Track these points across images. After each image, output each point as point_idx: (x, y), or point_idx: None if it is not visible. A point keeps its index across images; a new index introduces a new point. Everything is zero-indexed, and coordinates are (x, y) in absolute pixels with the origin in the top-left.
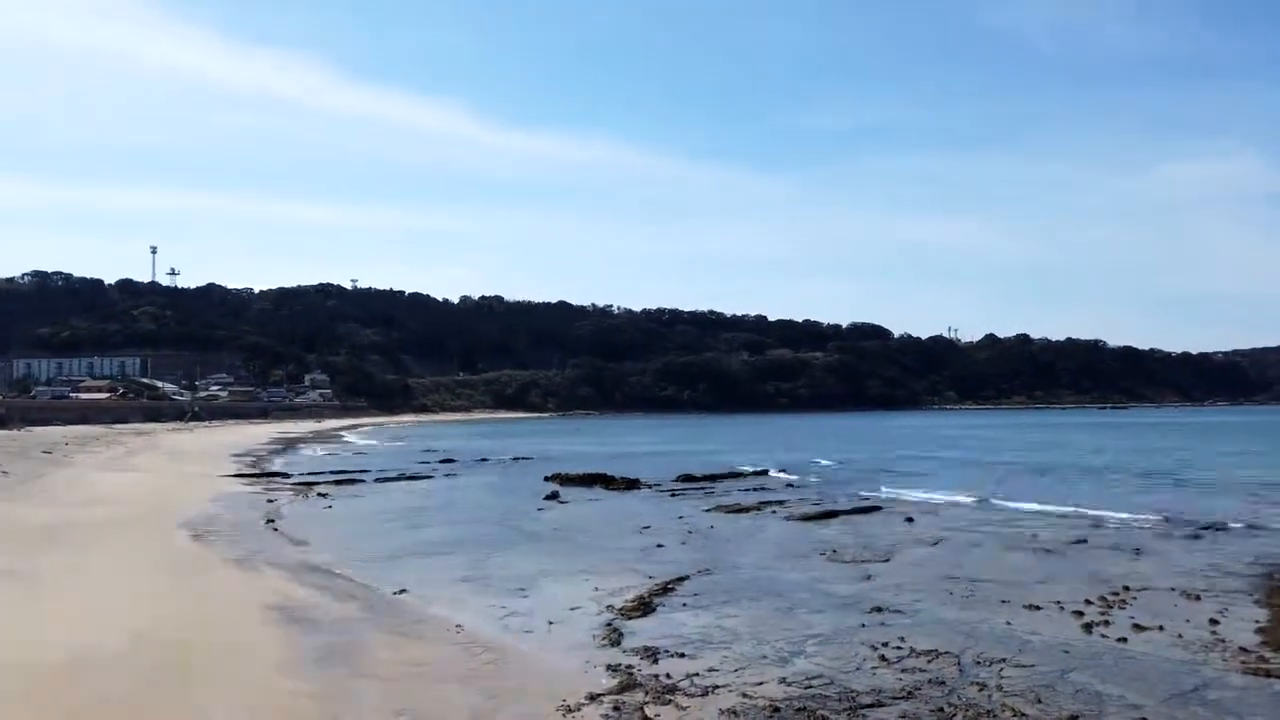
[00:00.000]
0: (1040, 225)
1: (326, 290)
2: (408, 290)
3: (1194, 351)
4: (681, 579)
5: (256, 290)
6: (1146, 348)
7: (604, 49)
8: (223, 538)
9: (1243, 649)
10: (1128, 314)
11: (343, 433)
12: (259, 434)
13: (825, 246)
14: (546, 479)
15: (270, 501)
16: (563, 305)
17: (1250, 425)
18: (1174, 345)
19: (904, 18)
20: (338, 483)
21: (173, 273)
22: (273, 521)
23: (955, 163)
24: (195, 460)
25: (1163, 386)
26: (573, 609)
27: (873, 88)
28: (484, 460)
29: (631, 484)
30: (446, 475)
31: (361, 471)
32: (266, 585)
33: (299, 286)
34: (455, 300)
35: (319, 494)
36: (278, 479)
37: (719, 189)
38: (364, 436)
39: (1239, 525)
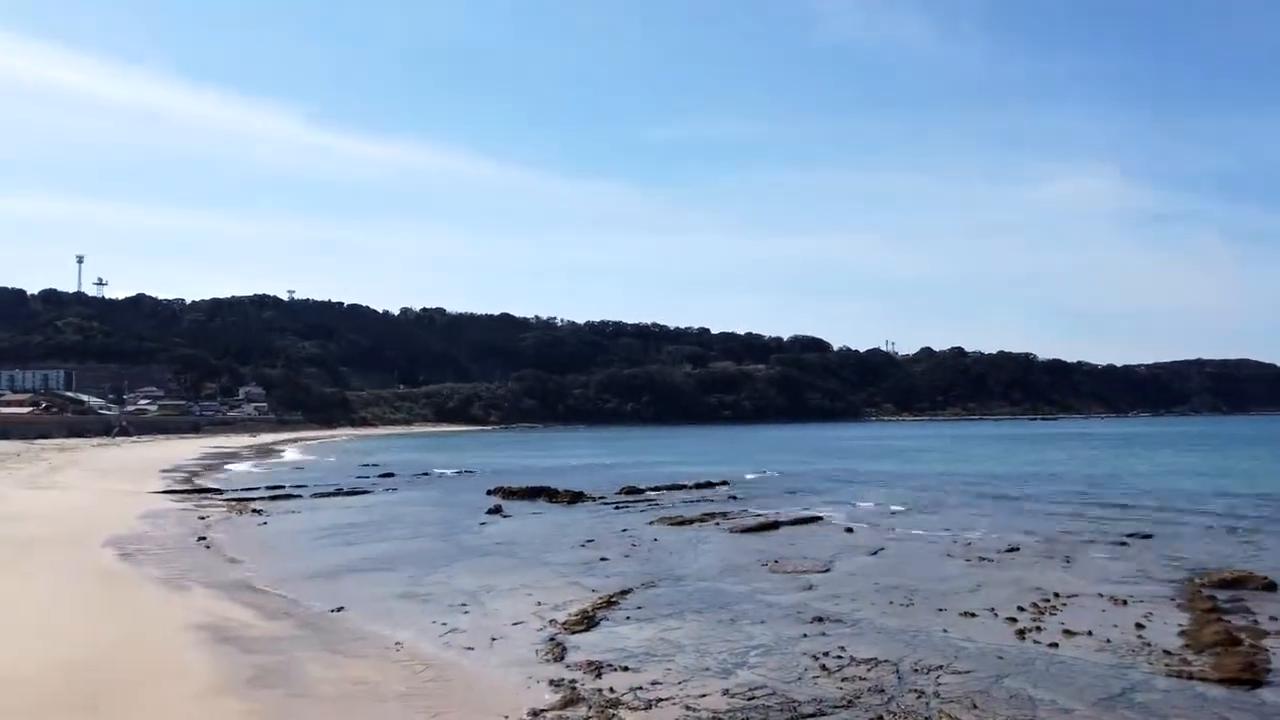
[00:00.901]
0: (925, 240)
1: (262, 301)
2: (346, 301)
3: (1118, 364)
4: (625, 592)
5: (188, 301)
6: (1074, 360)
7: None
8: (151, 556)
9: (1167, 652)
10: (1027, 327)
11: (278, 447)
12: (190, 449)
13: (713, 260)
14: (489, 493)
15: (202, 519)
16: (506, 317)
17: (1172, 436)
18: (1074, 356)
19: (739, 36)
20: (273, 499)
21: (100, 283)
22: (204, 539)
23: (826, 177)
24: (122, 476)
25: (1089, 398)
26: (515, 624)
27: (713, 104)
28: (424, 474)
29: (575, 497)
30: (386, 490)
31: (298, 487)
32: (197, 605)
33: (233, 297)
34: (396, 312)
35: (253, 510)
36: (210, 495)
37: (586, 200)
38: (301, 451)
39: (1162, 533)
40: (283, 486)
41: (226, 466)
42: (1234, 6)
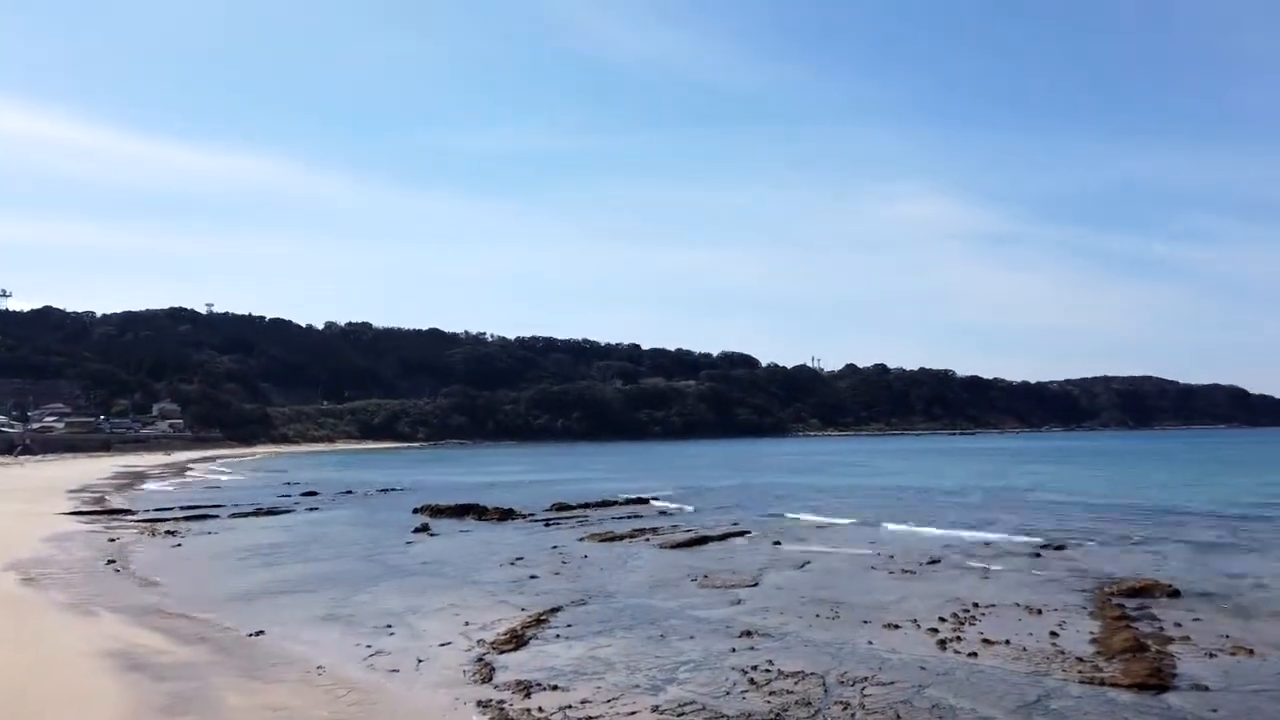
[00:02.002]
0: (786, 257)
1: (178, 314)
2: (268, 315)
3: (1032, 381)
4: (555, 610)
5: (99, 314)
6: (990, 377)
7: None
8: (56, 581)
9: (1080, 659)
10: (901, 342)
11: (194, 466)
12: (100, 468)
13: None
14: (415, 511)
15: (112, 540)
16: (434, 332)
17: (1083, 450)
18: (964, 370)
19: (549, 53)
20: (188, 519)
21: (3, 294)
22: (114, 562)
23: (676, 192)
24: (26, 497)
25: (1005, 414)
26: (442, 645)
27: (522, 115)
28: (349, 492)
29: (505, 514)
30: (308, 509)
31: (214, 506)
32: (106, 631)
33: (148, 310)
34: (320, 326)
35: (167, 531)
36: (121, 516)
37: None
38: (218, 469)
39: (1075, 544)
40: (199, 506)
41: (139, 486)
42: (1056, 29)
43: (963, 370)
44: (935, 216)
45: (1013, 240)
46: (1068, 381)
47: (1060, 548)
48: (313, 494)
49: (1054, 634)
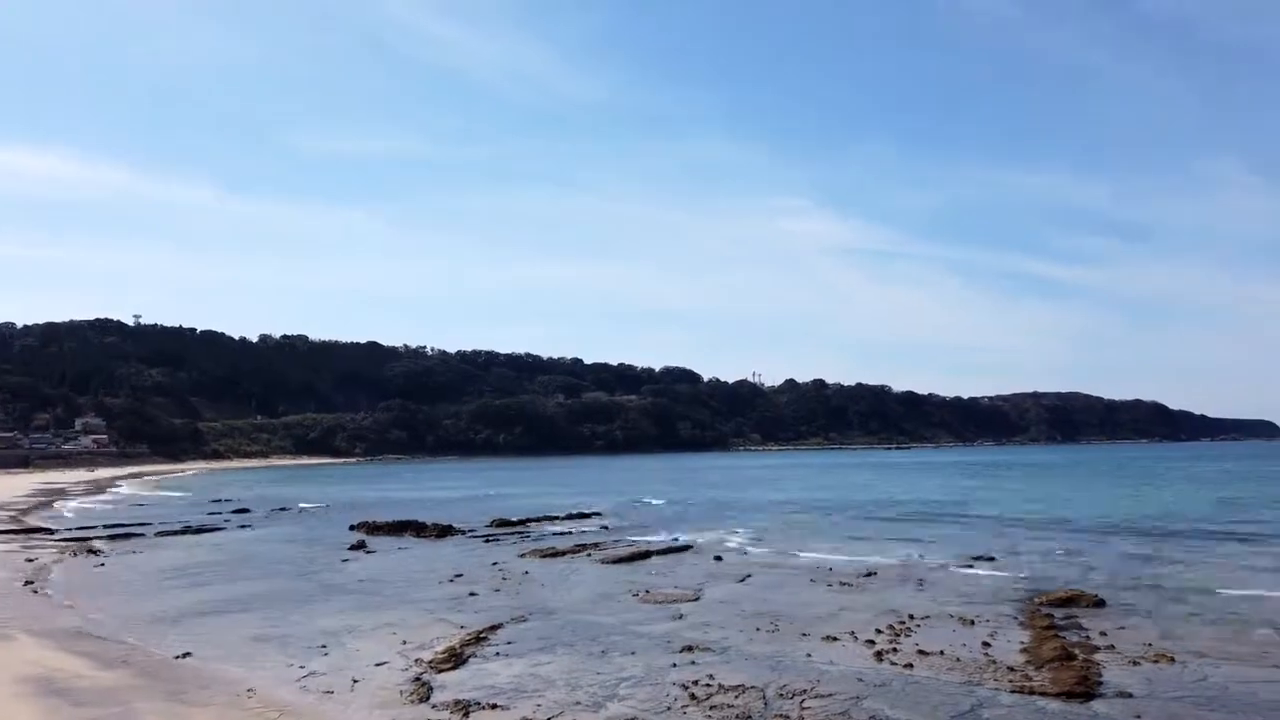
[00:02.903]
0: (682, 270)
1: (104, 326)
2: (199, 327)
3: (965, 396)
4: (495, 627)
5: (20, 325)
6: (925, 392)
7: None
8: None
9: (1010, 669)
10: (805, 358)
11: (120, 482)
12: (17, 485)
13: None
14: (352, 528)
15: (30, 561)
16: (373, 346)
17: (1014, 464)
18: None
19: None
20: (112, 538)
21: None
22: (32, 583)
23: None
24: None
25: (939, 428)
26: (378, 664)
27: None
28: (283, 509)
29: (444, 530)
30: (240, 527)
31: (140, 525)
32: (22, 655)
33: (71, 322)
34: (254, 339)
35: (89, 551)
36: (40, 535)
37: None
38: (145, 486)
39: (1006, 555)
40: (123, 525)
41: (59, 504)
42: (924, 52)
43: (898, 386)
44: (823, 232)
45: (899, 258)
46: (999, 397)
47: (991, 559)
48: (244, 511)
49: (986, 644)
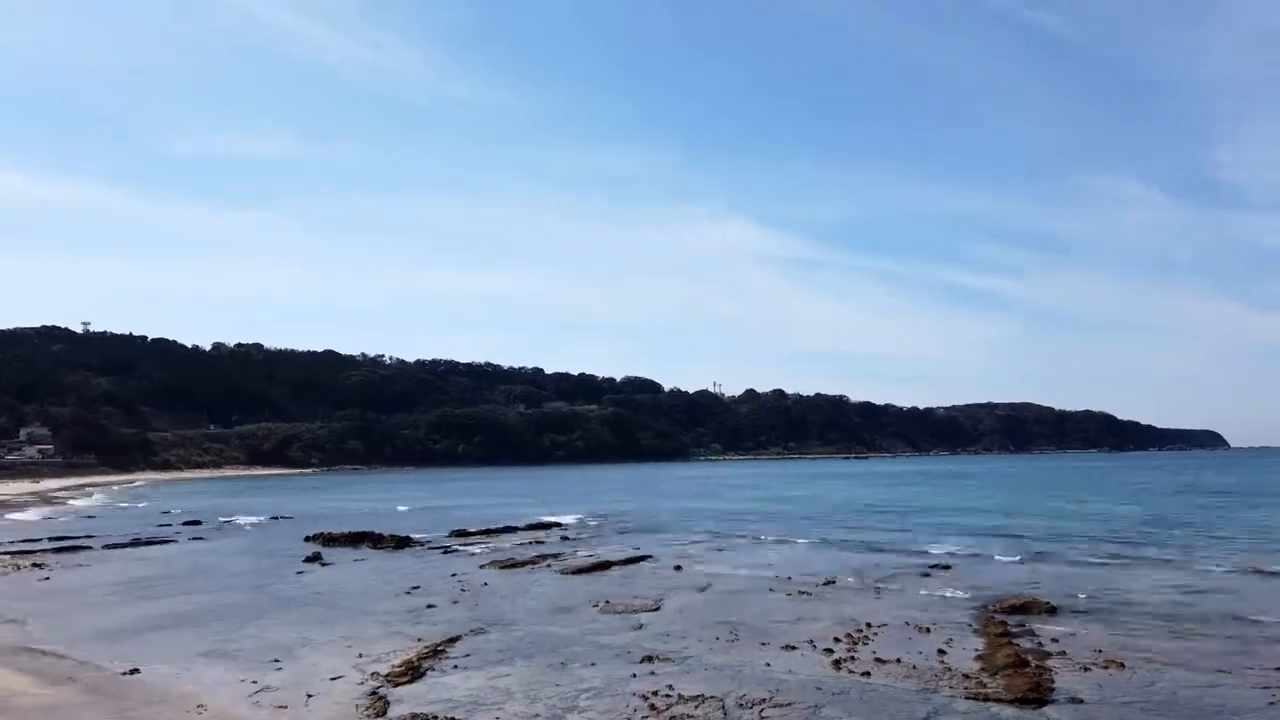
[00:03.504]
0: (593, 278)
1: (51, 333)
2: (150, 335)
3: (921, 407)
4: (453, 640)
5: None
6: (882, 403)
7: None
8: None
9: (965, 676)
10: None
11: (66, 494)
12: None
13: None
14: (307, 539)
15: None
16: (330, 354)
17: (967, 473)
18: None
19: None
20: (57, 550)
21: None
22: None
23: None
24: None
25: (895, 438)
26: (334, 679)
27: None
28: (235, 521)
29: (402, 542)
30: (191, 539)
31: (87, 537)
32: None
33: (16, 329)
34: (207, 347)
35: (34, 565)
36: None
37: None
38: (92, 497)
39: (961, 563)
40: (69, 537)
41: (2, 516)
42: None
43: (856, 396)
44: (742, 240)
45: (820, 266)
46: (953, 408)
47: (947, 567)
48: (196, 523)
49: (942, 651)
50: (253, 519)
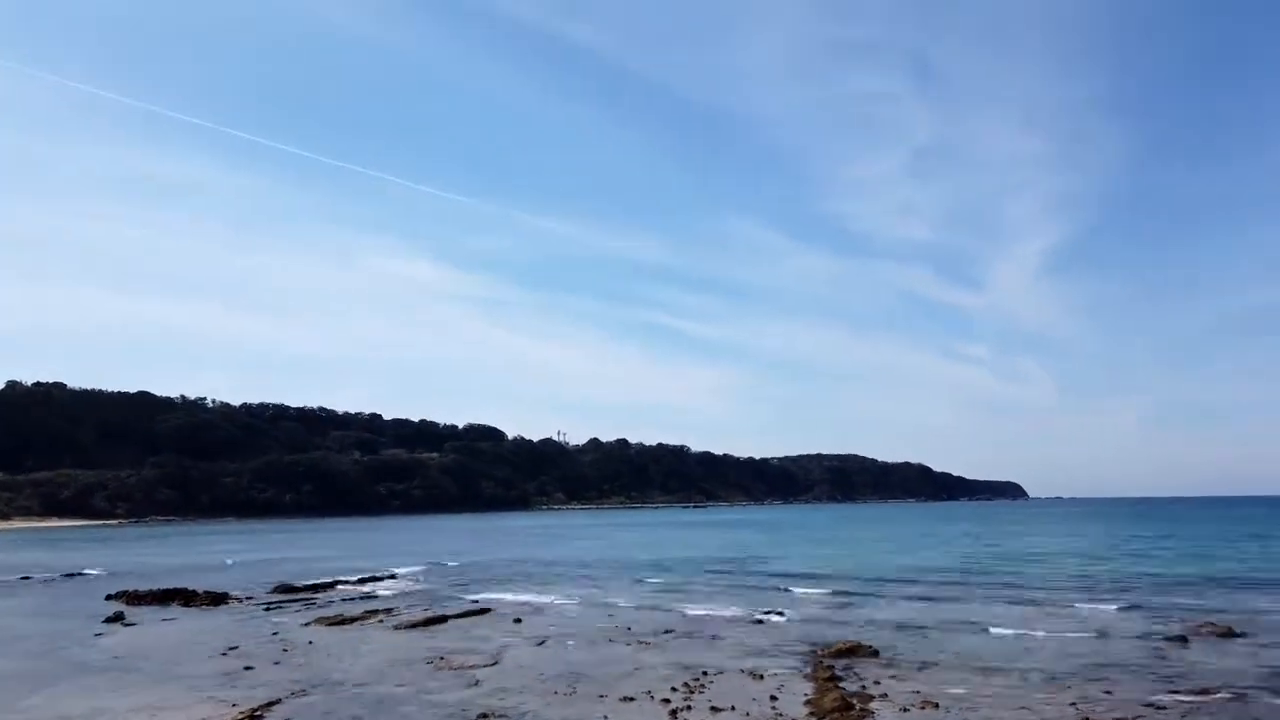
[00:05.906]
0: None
1: None
2: None
3: (757, 457)
4: (272, 703)
5: None
6: (721, 453)
7: None
8: None
9: None
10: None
11: None
12: None
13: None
14: (109, 598)
15: None
16: (144, 396)
17: (799, 521)
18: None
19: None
20: None
21: None
22: None
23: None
24: None
25: (733, 488)
26: None
27: None
28: (24, 578)
29: (218, 598)
30: None
31: None
32: None
33: None
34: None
35: None
36: None
37: None
38: None
39: (793, 609)
40: None
41: None
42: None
43: (696, 446)
44: (422, 277)
45: (509, 305)
46: (786, 458)
47: (781, 613)
48: None
49: (774, 698)
50: (46, 576)
